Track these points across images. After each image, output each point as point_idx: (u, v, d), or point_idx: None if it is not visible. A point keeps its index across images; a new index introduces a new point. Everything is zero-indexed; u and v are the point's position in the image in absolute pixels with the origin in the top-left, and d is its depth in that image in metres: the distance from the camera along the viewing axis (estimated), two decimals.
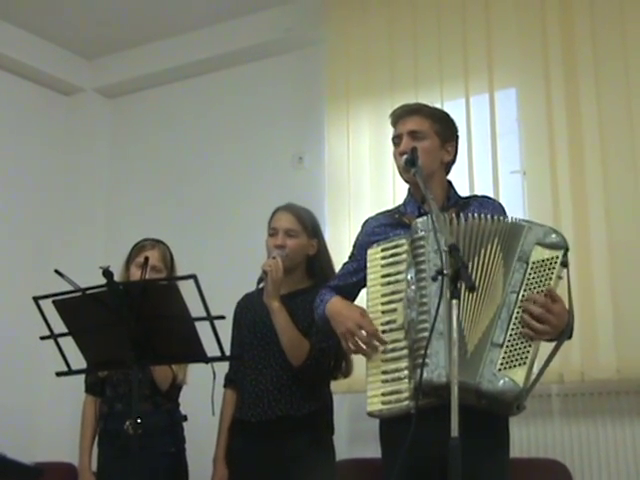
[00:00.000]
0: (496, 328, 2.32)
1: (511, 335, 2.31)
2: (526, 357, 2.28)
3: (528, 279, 2.37)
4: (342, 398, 3.60)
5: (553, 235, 2.43)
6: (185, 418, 3.34)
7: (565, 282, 2.42)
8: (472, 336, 2.31)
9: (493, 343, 2.29)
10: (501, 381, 2.25)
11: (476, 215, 2.46)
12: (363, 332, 2.44)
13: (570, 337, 2.45)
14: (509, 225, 2.45)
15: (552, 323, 2.32)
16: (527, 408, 2.36)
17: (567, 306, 2.39)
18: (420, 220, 2.46)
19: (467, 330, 2.31)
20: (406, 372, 2.36)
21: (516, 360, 2.27)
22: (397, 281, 2.46)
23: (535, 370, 2.36)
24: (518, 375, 2.26)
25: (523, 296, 2.34)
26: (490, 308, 2.35)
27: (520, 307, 2.33)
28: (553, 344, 2.42)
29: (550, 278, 2.36)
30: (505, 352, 2.28)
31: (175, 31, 4.85)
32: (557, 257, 2.38)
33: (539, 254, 2.39)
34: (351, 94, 4.19)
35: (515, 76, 3.84)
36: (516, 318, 2.32)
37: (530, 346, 2.30)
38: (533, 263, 2.38)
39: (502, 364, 2.27)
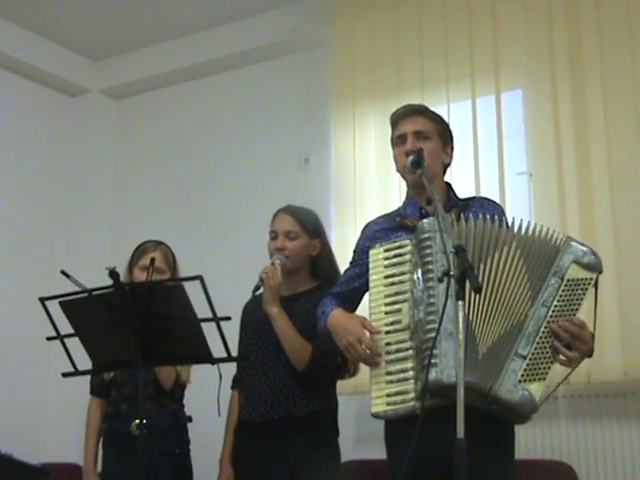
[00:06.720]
0: (522, 339, 2.32)
1: (536, 349, 2.32)
2: (546, 373, 2.30)
3: (561, 295, 2.37)
4: (348, 399, 3.59)
5: (592, 256, 2.43)
6: (190, 419, 3.33)
7: (592, 301, 2.41)
8: (484, 338, 2.32)
9: (517, 354, 2.31)
10: (520, 393, 2.26)
11: (489, 217, 2.45)
12: (364, 346, 2.44)
13: (590, 356, 2.45)
14: (546, 239, 2.43)
15: (582, 351, 2.35)
16: None
17: (593, 326, 2.40)
18: (426, 221, 2.45)
19: (478, 331, 2.31)
20: (412, 372, 2.36)
21: (537, 374, 2.29)
22: (401, 282, 2.46)
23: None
24: (536, 389, 2.28)
25: (554, 312, 2.35)
26: (506, 312, 2.35)
27: (549, 322, 2.34)
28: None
29: (582, 298, 2.38)
30: (528, 365, 2.30)
31: (181, 32, 4.85)
32: (591, 279, 2.39)
33: (575, 272, 2.40)
34: (357, 95, 4.18)
35: (522, 77, 3.83)
36: (543, 333, 2.33)
37: (552, 363, 2.32)
38: (568, 280, 2.39)
39: (523, 376, 2.28)
